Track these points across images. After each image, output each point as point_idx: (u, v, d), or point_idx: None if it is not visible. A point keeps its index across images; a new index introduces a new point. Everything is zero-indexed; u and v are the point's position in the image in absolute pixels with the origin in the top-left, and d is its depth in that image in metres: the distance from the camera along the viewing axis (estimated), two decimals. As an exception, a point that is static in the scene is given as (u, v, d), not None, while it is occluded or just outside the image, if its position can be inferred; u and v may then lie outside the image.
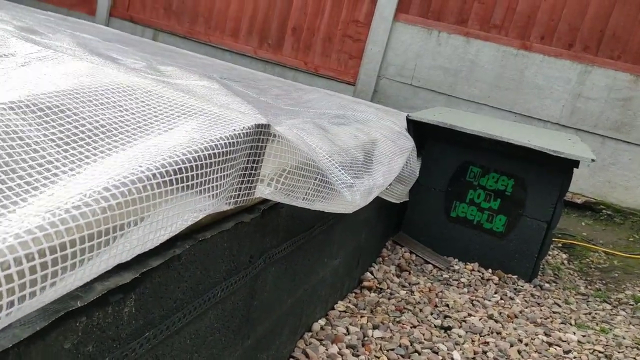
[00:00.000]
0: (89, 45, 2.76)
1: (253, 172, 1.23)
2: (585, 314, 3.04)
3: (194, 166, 0.93)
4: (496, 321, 2.71)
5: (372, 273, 2.99)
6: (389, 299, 2.76)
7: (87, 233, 0.70)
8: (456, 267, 3.30)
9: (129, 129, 1.00)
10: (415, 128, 3.43)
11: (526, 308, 2.93)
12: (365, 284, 2.86)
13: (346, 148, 2.26)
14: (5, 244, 0.59)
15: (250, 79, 4.02)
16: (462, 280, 3.13)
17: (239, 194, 1.19)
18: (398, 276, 3.06)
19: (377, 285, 2.87)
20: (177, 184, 0.90)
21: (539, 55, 4.93)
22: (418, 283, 2.99)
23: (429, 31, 5.25)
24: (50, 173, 0.79)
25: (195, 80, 2.19)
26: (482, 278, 3.22)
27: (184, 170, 0.91)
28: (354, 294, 2.76)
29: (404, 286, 2.95)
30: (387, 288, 2.87)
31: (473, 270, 3.29)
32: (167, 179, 0.88)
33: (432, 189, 3.48)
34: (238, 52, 6.09)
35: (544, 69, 4.93)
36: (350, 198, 1.82)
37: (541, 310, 2.94)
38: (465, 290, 3.02)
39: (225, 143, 1.02)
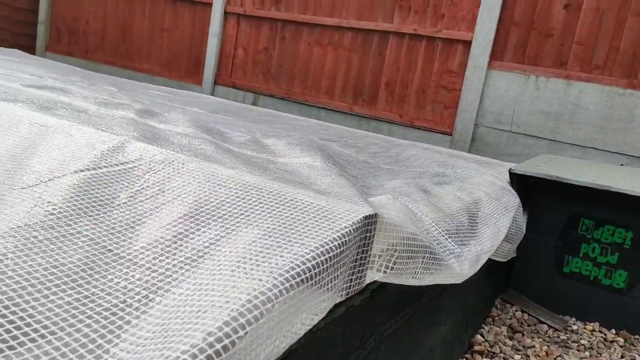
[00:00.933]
0: (199, 122, 2.98)
1: (363, 261, 1.26)
2: None
3: (314, 273, 0.98)
4: (624, 390, 2.51)
5: (482, 335, 2.89)
6: (503, 364, 2.64)
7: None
8: (574, 327, 3.11)
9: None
10: (519, 180, 3.33)
11: (658, 374, 2.69)
12: (476, 347, 2.76)
13: (450, 213, 2.24)
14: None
15: (347, 137, 4.12)
16: (583, 342, 2.94)
17: (350, 285, 1.22)
18: (511, 338, 2.93)
19: (489, 349, 2.76)
20: (298, 287, 0.95)
21: (649, 93, 4.65)
22: (533, 346, 2.84)
23: (526, 76, 5.14)
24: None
25: (298, 157, 2.28)
26: (605, 340, 3.00)
27: (303, 276, 0.96)
28: (464, 360, 2.68)
29: (518, 350, 2.81)
30: (500, 352, 2.75)
31: (594, 330, 3.08)
32: (293, 282, 0.93)
33: (541, 243, 3.33)
34: (333, 109, 6.27)
35: (657, 107, 4.64)
36: (458, 269, 1.80)
37: (676, 376, 2.69)
38: (587, 354, 2.83)
39: (338, 244, 1.06)
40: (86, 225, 1.04)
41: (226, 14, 6.82)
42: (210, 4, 6.87)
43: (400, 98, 5.90)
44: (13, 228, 0.94)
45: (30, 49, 8.39)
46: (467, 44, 5.42)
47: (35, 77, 3.72)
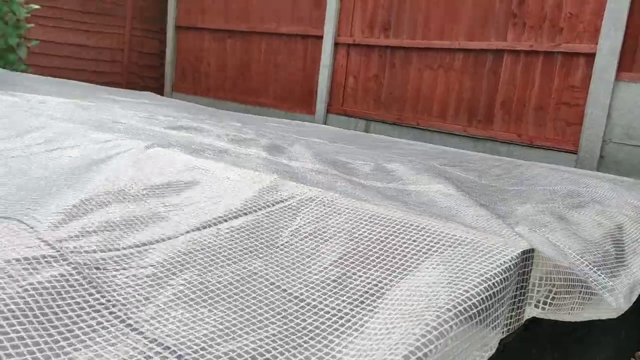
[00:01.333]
0: (322, 154, 3.08)
1: (521, 297, 1.24)
2: None
3: (480, 309, 0.98)
4: None
5: (634, 370, 2.68)
6: (661, 403, 2.43)
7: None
8: None
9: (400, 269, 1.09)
10: (664, 201, 3.08)
11: None
12: (628, 384, 2.57)
13: (594, 241, 2.12)
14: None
15: (467, 161, 4.04)
16: None
17: (510, 322, 1.20)
18: (666, 374, 2.70)
19: (642, 386, 2.56)
20: (466, 323, 0.96)
21: None
22: (694, 383, 2.59)
23: (660, 87, 4.79)
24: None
25: (429, 184, 2.29)
26: None
27: (470, 312, 0.97)
28: (616, 397, 2.50)
29: (676, 387, 2.58)
30: (655, 389, 2.54)
31: None
32: (462, 317, 0.94)
33: (694, 269, 3.04)
34: (446, 131, 6.19)
35: None
36: (614, 304, 1.70)
37: None
38: None
39: (500, 279, 1.06)
40: (259, 265, 1.12)
41: (336, 44, 7.01)
42: (321, 37, 7.11)
43: (518, 117, 5.71)
44: (199, 274, 1.04)
45: (157, 89, 9.12)
46: (590, 56, 5.15)
47: (170, 119, 4.03)
